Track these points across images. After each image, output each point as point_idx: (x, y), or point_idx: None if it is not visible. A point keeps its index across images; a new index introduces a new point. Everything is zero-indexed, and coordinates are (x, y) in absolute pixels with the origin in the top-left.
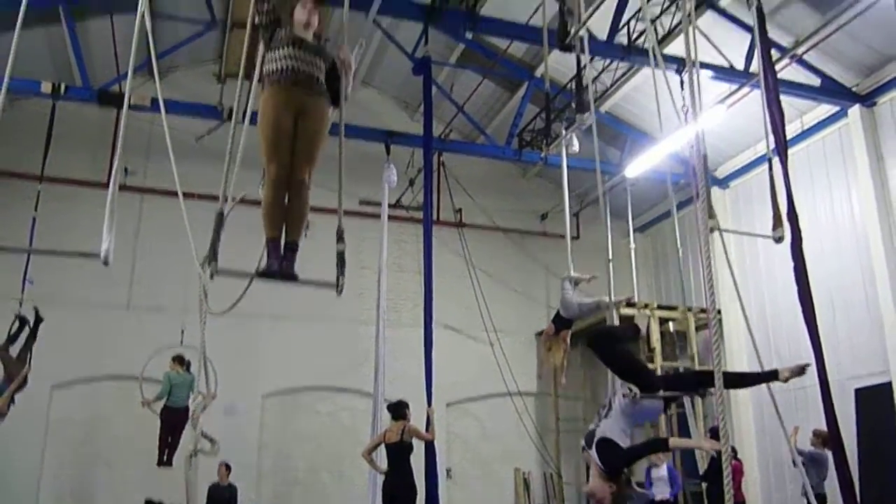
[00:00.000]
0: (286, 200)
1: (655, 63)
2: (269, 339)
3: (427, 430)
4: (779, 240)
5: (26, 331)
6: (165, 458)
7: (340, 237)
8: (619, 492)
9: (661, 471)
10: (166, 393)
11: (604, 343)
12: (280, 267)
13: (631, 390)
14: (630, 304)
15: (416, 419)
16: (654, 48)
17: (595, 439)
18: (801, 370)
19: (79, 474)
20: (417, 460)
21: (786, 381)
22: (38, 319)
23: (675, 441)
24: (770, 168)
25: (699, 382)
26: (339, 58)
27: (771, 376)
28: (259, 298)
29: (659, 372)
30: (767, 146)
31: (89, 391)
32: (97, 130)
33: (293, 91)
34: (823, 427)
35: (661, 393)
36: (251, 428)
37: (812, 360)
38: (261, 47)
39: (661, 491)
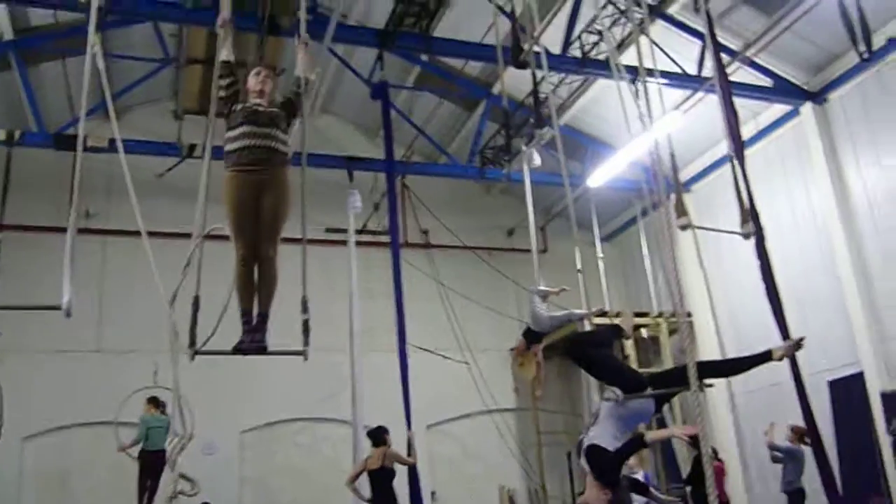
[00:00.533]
0: (255, 275)
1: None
2: (244, 374)
3: (409, 454)
4: (747, 235)
5: None
6: (146, 502)
7: (305, 307)
8: (617, 498)
9: (638, 477)
10: (143, 437)
11: (579, 350)
12: (252, 340)
13: (615, 393)
14: (602, 314)
15: (398, 444)
16: (613, 55)
17: (583, 447)
18: (797, 345)
19: None
20: (402, 485)
21: (780, 359)
22: None
23: (651, 435)
24: (733, 168)
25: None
26: (299, 76)
27: (766, 357)
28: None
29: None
30: (729, 147)
31: (62, 440)
32: (55, 175)
33: (251, 173)
34: (801, 422)
35: (649, 391)
36: (230, 465)
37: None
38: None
39: (638, 500)
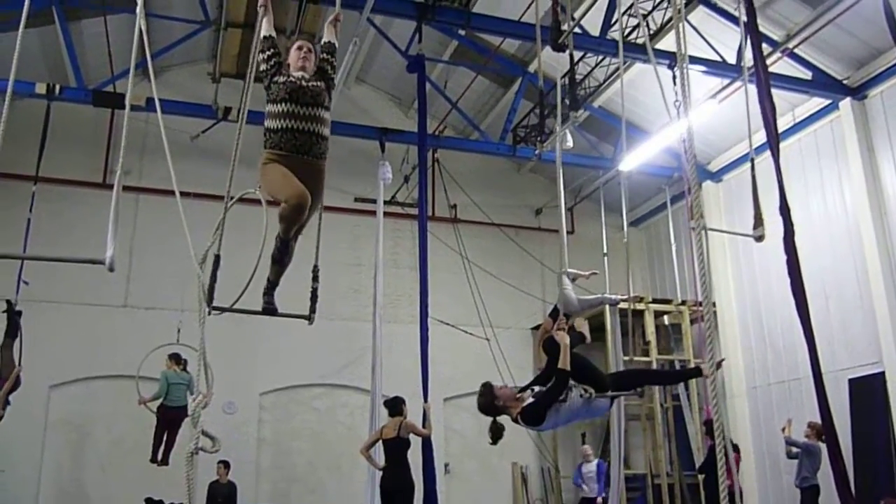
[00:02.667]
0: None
1: (645, 59)
2: (266, 337)
3: (424, 425)
4: (759, 239)
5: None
6: (161, 456)
7: (315, 276)
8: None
9: (591, 466)
10: (164, 392)
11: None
12: (264, 303)
13: (587, 391)
14: (639, 300)
15: (414, 415)
16: (648, 42)
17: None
18: (717, 365)
19: (78, 474)
20: (415, 456)
21: (708, 377)
22: (13, 312)
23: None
24: (752, 167)
25: (635, 383)
26: (328, 42)
27: (696, 373)
28: (256, 296)
29: (654, 366)
30: (750, 144)
31: (86, 390)
32: (91, 130)
33: (292, 160)
34: (818, 418)
35: (610, 393)
36: (249, 426)
37: (805, 350)
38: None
39: (591, 489)
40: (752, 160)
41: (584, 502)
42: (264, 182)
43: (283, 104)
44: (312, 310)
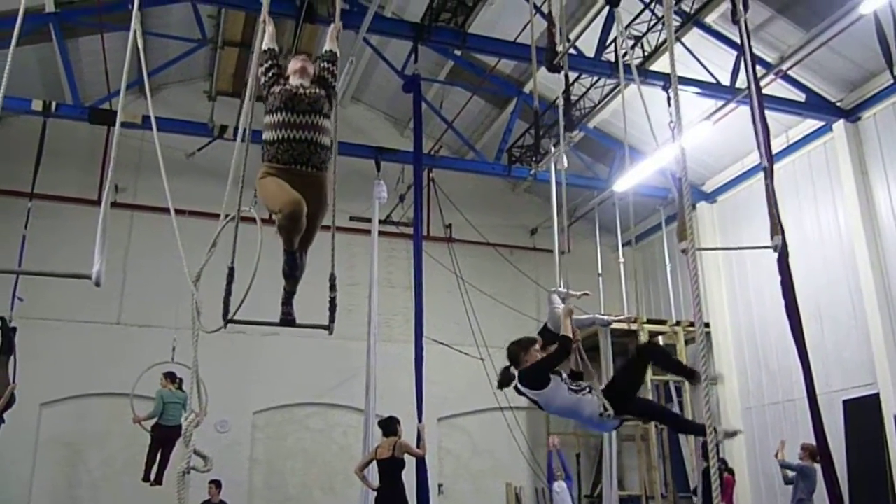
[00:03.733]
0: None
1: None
2: (260, 356)
3: (418, 445)
4: (776, 249)
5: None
6: (154, 476)
7: (333, 285)
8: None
9: (562, 483)
10: (159, 411)
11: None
12: (282, 313)
13: (607, 409)
14: (633, 321)
15: (409, 435)
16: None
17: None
18: (733, 434)
19: (70, 493)
20: (410, 476)
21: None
22: (7, 329)
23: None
24: (766, 176)
25: (649, 415)
26: (328, 50)
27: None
28: (258, 310)
29: (649, 386)
30: (761, 157)
31: (79, 409)
32: (87, 148)
33: (290, 171)
34: (812, 440)
35: (625, 416)
36: (242, 445)
37: (800, 371)
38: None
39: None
40: (765, 169)
41: None
42: (261, 196)
43: (279, 113)
44: (332, 319)
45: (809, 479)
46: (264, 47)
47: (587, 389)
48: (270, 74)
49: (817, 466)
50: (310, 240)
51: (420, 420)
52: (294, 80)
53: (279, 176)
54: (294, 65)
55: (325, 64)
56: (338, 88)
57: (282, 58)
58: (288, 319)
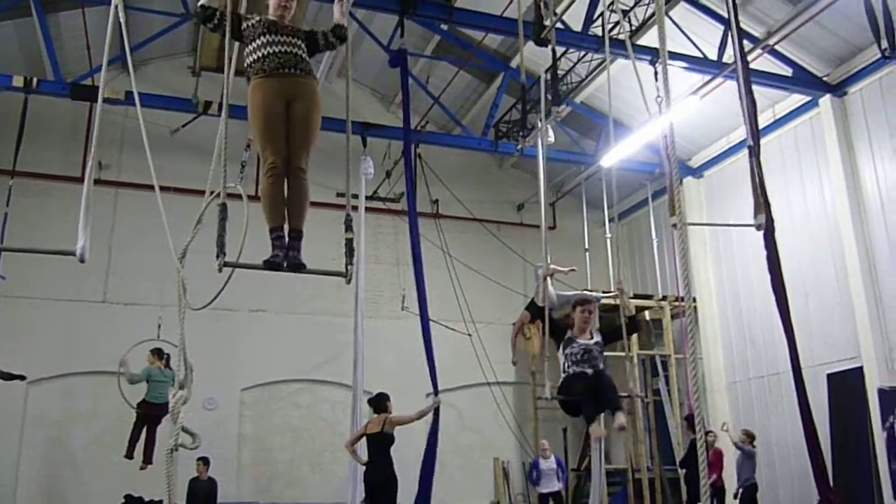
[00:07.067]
0: (286, 189)
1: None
2: (247, 333)
3: (435, 420)
4: (759, 227)
5: None
6: (143, 456)
7: (349, 226)
8: None
9: (550, 462)
10: (142, 379)
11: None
12: (286, 256)
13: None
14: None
15: (398, 411)
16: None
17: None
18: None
19: (56, 471)
20: (399, 451)
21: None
22: None
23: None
24: (750, 154)
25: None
26: (339, 24)
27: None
28: (237, 292)
29: (635, 360)
30: (748, 132)
31: (65, 387)
32: (69, 124)
33: (279, 77)
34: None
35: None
36: (230, 422)
37: (785, 345)
38: (236, 45)
39: (550, 484)
40: (750, 147)
41: (543, 498)
42: (251, 108)
43: (261, 37)
44: (349, 262)
45: (753, 459)
46: (200, 3)
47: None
48: (219, 25)
49: (755, 449)
50: (306, 147)
51: (436, 393)
52: (274, 12)
53: (266, 82)
54: (274, 4)
55: (332, 38)
56: (322, 65)
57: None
58: (295, 262)
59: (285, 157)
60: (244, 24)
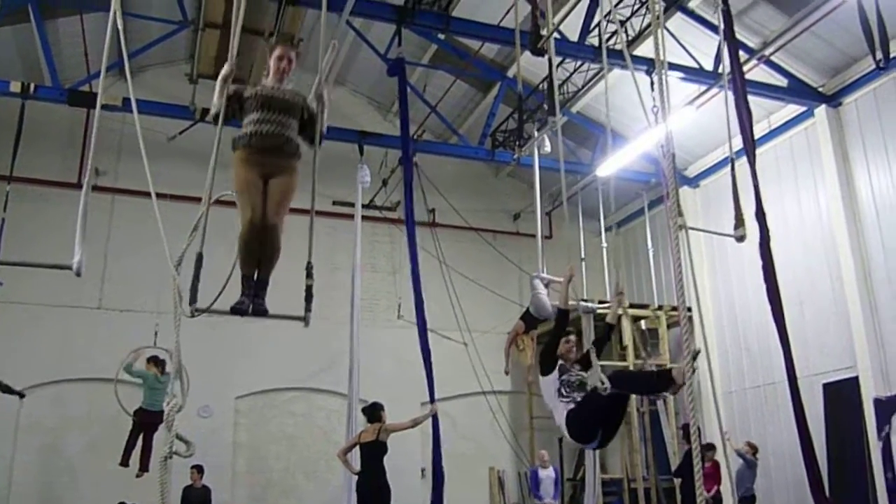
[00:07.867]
0: (259, 242)
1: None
2: (242, 341)
3: (435, 426)
4: (740, 239)
5: None
6: (140, 464)
7: (309, 273)
8: None
9: (549, 472)
10: (138, 374)
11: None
12: (252, 303)
13: (603, 383)
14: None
15: (398, 418)
16: (625, 49)
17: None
18: (694, 357)
19: (51, 477)
20: (392, 460)
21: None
22: None
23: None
24: (732, 169)
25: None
26: (318, 96)
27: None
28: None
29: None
30: (730, 147)
31: (60, 394)
32: (66, 130)
33: (262, 156)
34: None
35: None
36: (225, 430)
37: (780, 355)
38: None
39: (548, 493)
40: (733, 161)
41: None
42: (234, 177)
43: (256, 112)
44: (307, 309)
45: (754, 469)
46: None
47: (570, 400)
48: (235, 100)
49: (758, 460)
50: (280, 213)
51: (432, 401)
52: (271, 81)
53: (248, 159)
54: (275, 64)
55: (309, 135)
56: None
57: (264, 42)
58: (259, 309)
59: (261, 216)
60: (246, 94)
